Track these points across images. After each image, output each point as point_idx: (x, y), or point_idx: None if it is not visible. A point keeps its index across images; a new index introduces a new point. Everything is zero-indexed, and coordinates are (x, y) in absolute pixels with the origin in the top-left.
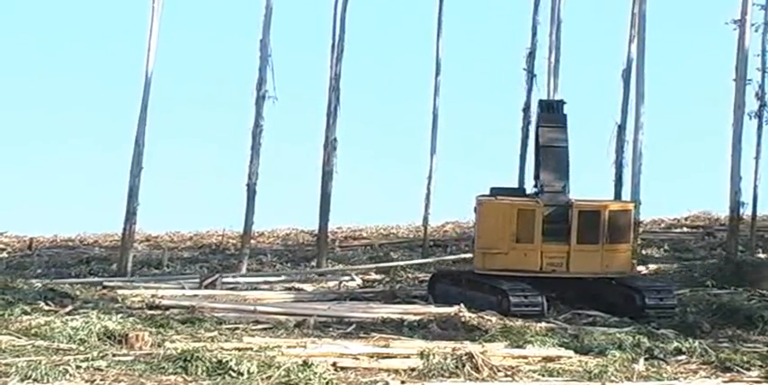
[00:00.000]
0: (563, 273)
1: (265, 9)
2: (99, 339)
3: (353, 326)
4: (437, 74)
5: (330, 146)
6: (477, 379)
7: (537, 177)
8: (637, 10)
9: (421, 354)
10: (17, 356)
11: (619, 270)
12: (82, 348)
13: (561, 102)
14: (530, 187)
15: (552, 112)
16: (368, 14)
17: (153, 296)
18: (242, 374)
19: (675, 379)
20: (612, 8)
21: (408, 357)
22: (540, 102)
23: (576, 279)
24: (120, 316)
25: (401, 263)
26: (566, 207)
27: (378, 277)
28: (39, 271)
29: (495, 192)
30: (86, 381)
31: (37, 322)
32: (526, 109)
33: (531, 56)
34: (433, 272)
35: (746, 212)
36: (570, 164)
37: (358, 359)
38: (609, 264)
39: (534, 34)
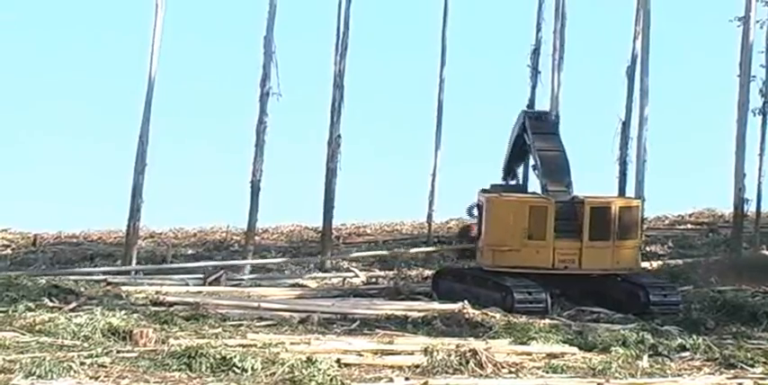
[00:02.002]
0: (575, 270)
1: (269, 6)
2: (103, 335)
3: (357, 322)
4: (442, 70)
5: (334, 142)
6: (481, 375)
7: (508, 173)
8: (641, 7)
9: (425, 351)
10: (22, 353)
11: (627, 266)
12: (86, 344)
13: (546, 113)
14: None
15: (542, 121)
16: (372, 11)
17: (157, 292)
18: (246, 371)
19: (679, 375)
20: (617, 5)
21: (412, 354)
22: (528, 112)
23: (580, 275)
24: (124, 312)
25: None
26: (575, 204)
27: (382, 273)
28: (43, 267)
29: (496, 189)
30: (90, 378)
31: (41, 318)
32: (530, 105)
33: (536, 52)
34: (437, 268)
35: (750, 209)
36: (570, 165)
37: (362, 355)
38: (618, 260)
39: (539, 31)
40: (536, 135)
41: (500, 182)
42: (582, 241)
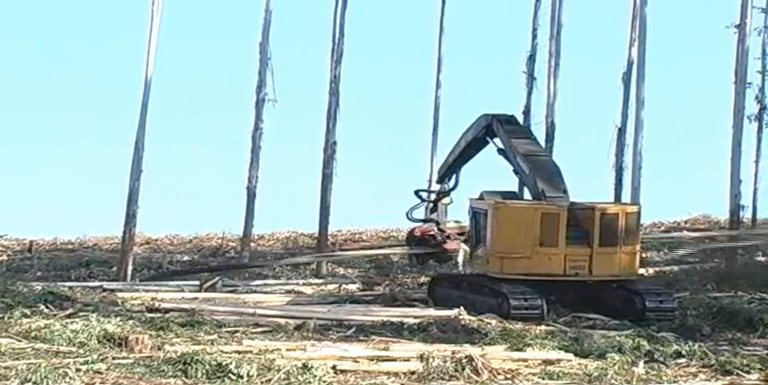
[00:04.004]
0: (586, 277)
1: (265, 12)
2: (99, 342)
3: (353, 328)
4: (438, 76)
5: (330, 149)
6: (477, 382)
7: (447, 176)
8: (637, 13)
9: (421, 357)
10: (17, 359)
11: (630, 272)
12: (82, 351)
13: (514, 117)
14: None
15: (514, 125)
16: (368, 17)
17: (153, 299)
18: (242, 377)
19: (675, 382)
20: (613, 11)
21: (408, 360)
22: (496, 116)
23: (578, 282)
24: (119, 319)
25: None
26: (581, 210)
27: (378, 280)
28: (38, 273)
29: (491, 196)
30: (86, 384)
31: (37, 325)
32: (526, 112)
33: (532, 59)
34: (432, 275)
35: (746, 215)
36: (561, 169)
37: (358, 362)
38: (624, 266)
39: (534, 37)
40: (517, 139)
41: (489, 188)
42: (592, 248)
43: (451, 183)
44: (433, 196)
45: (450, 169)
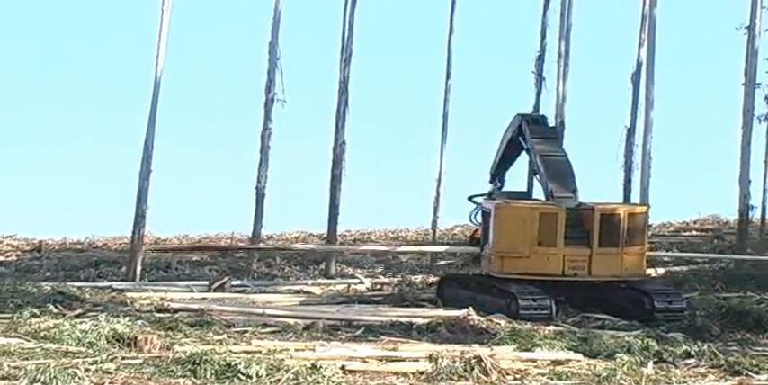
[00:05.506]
0: (585, 277)
1: (274, 11)
2: (108, 342)
3: (362, 329)
4: (448, 77)
5: (339, 149)
6: (486, 382)
7: (496, 178)
8: (647, 14)
9: (430, 357)
10: (26, 359)
11: (635, 273)
12: (91, 351)
13: (544, 117)
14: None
15: (540, 125)
16: (377, 16)
17: (162, 299)
18: (251, 377)
19: (684, 382)
20: (622, 12)
21: (417, 360)
22: (525, 116)
23: (586, 282)
24: (128, 319)
25: None
26: (584, 210)
27: (387, 280)
28: (48, 274)
29: (501, 195)
30: (95, 384)
31: (46, 325)
32: (535, 112)
33: (541, 59)
34: (441, 275)
35: (756, 216)
36: (574, 170)
37: (367, 362)
38: (627, 266)
39: (543, 37)
40: (537, 139)
41: (495, 187)
42: (591, 248)
43: (499, 186)
44: (483, 199)
45: (498, 170)
